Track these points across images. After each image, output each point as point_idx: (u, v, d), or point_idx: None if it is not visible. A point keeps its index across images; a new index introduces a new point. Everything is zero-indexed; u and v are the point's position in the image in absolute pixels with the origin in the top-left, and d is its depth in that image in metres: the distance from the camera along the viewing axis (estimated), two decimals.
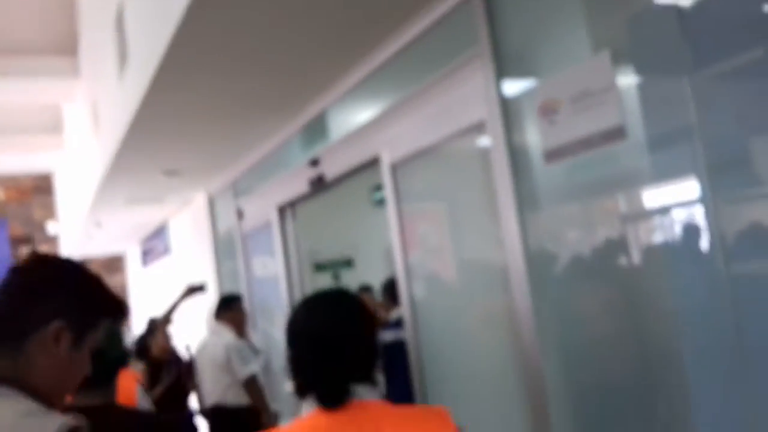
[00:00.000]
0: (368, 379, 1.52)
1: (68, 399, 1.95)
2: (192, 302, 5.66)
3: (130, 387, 2.90)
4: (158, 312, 5.52)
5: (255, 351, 5.10)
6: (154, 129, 4.65)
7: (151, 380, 4.89)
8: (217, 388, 4.73)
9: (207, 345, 4.92)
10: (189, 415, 4.93)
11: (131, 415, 2.08)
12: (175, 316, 5.12)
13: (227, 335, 4.83)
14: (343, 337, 1.51)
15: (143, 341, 5.27)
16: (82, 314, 1.35)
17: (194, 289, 5.23)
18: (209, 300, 6.32)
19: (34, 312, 1.30)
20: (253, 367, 4.72)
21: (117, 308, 1.41)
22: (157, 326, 5.07)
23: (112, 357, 1.99)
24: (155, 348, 4.97)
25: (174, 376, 4.96)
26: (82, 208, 8.69)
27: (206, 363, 4.82)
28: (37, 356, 1.30)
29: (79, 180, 9.10)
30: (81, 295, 1.36)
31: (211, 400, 4.77)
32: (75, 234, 10.73)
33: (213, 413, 4.76)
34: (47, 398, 1.30)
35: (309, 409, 1.49)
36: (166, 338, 5.03)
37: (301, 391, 1.51)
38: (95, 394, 1.94)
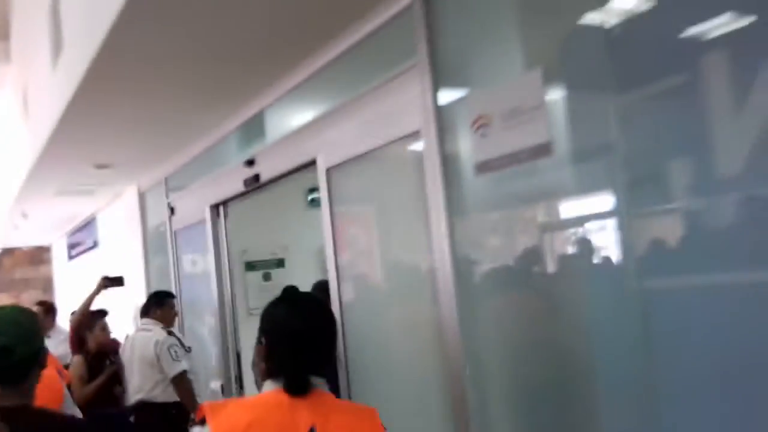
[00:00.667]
0: (323, 373, 1.76)
1: None
2: (111, 295, 5.58)
3: (58, 388, 2.90)
4: (76, 305, 5.42)
5: (184, 348, 5.04)
6: (87, 121, 4.55)
7: (90, 373, 4.83)
8: (146, 384, 4.66)
9: (135, 340, 4.84)
10: (124, 412, 4.85)
11: (47, 416, 2.03)
12: (91, 308, 5.05)
13: (158, 331, 4.76)
14: (318, 338, 1.76)
15: (80, 335, 5.18)
16: None
17: (110, 281, 5.15)
18: (137, 295, 6.21)
19: None
20: (184, 364, 4.67)
21: None
22: (90, 320, 5.01)
23: (22, 355, 1.93)
24: (92, 341, 4.92)
25: (113, 369, 4.90)
26: (7, 197, 8.39)
27: (135, 359, 4.74)
28: None
29: (5, 168, 8.79)
30: None
31: (138, 396, 4.69)
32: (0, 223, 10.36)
33: (140, 409, 4.68)
34: None
35: (270, 388, 1.71)
36: (105, 332, 4.98)
37: (269, 374, 1.73)
38: (10, 393, 1.89)
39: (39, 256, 13.53)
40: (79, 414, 3.21)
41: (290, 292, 1.88)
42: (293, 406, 1.66)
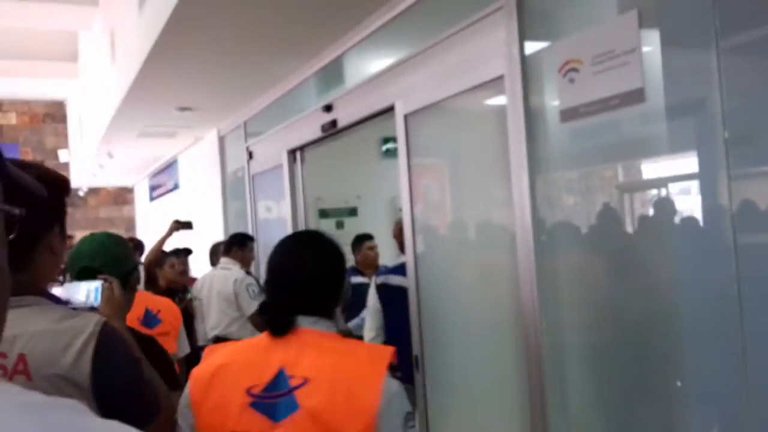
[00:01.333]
0: (323, 313, 1.66)
1: None
2: (192, 236, 5.72)
3: (177, 321, 3.16)
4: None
5: (261, 288, 5.14)
6: (171, 64, 4.62)
7: None
8: (223, 321, 4.80)
9: (214, 277, 4.97)
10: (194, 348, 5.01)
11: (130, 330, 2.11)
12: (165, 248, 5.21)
13: (236, 270, 4.88)
14: (301, 276, 1.66)
15: (151, 273, 5.35)
16: (61, 207, 1.44)
17: (180, 224, 5.28)
18: (215, 237, 6.36)
19: (39, 223, 1.37)
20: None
21: (67, 185, 1.48)
22: (160, 259, 5.15)
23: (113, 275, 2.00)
24: (162, 279, 5.08)
25: (181, 306, 5.04)
26: (94, 137, 8.69)
27: (213, 295, 4.87)
28: (44, 262, 1.40)
29: (92, 110, 9.08)
30: (52, 191, 1.40)
31: (214, 332, 4.83)
32: (86, 163, 10.76)
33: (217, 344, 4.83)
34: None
35: None
36: (178, 270, 5.13)
37: (261, 312, 1.65)
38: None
39: (122, 196, 14.05)
40: (186, 345, 3.36)
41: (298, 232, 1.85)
42: (271, 346, 1.61)
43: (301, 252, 1.72)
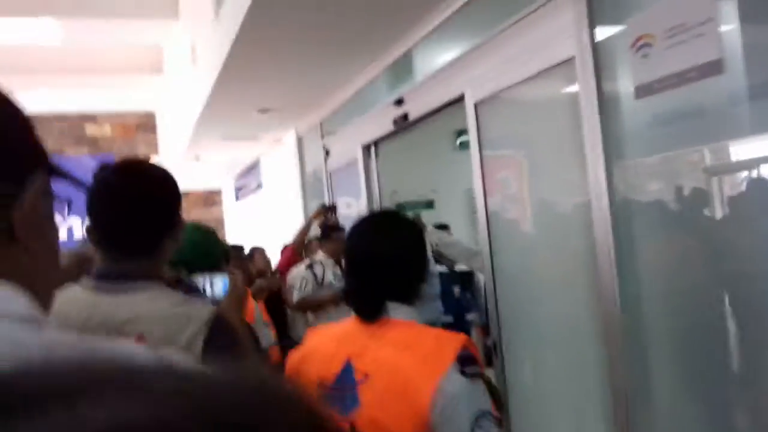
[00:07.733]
0: (402, 298, 1.54)
1: None
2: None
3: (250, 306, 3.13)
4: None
5: (317, 282, 5.15)
6: (247, 68, 4.72)
7: None
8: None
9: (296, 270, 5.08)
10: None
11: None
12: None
13: (306, 263, 4.93)
14: (380, 259, 1.55)
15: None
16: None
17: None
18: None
19: (171, 216, 1.51)
20: (295, 295, 4.86)
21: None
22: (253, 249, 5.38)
23: (204, 266, 2.07)
24: (253, 267, 5.25)
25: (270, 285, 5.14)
26: (182, 143, 8.99)
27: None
28: (167, 251, 1.48)
29: (179, 118, 9.40)
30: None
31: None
32: (176, 169, 11.14)
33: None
34: None
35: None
36: (264, 258, 5.32)
37: (346, 300, 1.62)
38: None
39: (211, 198, 14.47)
40: (269, 334, 3.37)
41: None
42: (349, 335, 1.54)
43: (374, 234, 1.61)
